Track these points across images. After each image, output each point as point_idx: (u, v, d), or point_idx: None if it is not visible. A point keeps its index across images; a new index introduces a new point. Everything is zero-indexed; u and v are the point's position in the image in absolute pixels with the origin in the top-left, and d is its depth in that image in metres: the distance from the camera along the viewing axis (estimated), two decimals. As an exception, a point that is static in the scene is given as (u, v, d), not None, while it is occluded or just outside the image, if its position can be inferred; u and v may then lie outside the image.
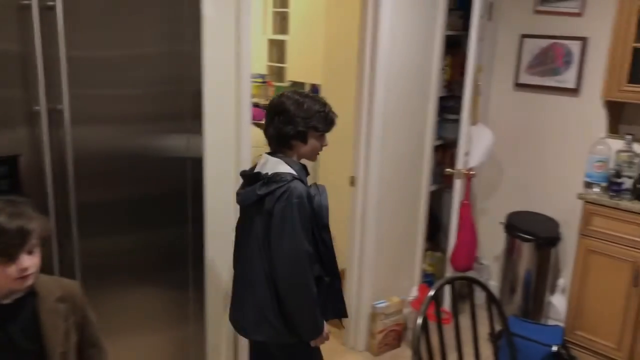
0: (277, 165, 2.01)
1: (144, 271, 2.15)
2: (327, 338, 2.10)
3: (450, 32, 3.53)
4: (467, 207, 3.46)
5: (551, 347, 3.03)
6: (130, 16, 1.91)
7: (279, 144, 2.05)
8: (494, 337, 3.19)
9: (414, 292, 3.46)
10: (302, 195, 1.93)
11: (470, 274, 3.77)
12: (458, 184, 3.42)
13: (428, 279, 3.86)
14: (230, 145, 2.41)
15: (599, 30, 3.21)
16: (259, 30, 4.95)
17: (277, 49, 4.94)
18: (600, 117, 3.22)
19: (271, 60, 4.99)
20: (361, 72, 3.02)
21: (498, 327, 3.23)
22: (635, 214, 2.91)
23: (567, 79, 3.40)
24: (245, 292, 2.08)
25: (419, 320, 1.47)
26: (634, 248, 2.93)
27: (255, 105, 4.38)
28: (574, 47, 3.34)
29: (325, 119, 2.06)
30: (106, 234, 2.02)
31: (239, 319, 2.13)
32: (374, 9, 2.92)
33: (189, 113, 2.13)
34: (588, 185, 3.14)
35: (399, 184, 3.35)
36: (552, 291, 3.59)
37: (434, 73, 3.39)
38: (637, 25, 2.88)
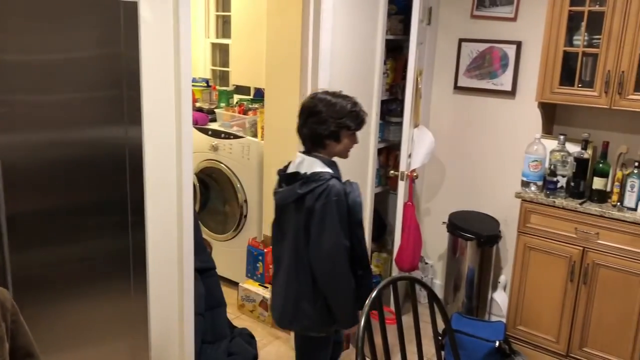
0: (314, 165, 2.13)
1: (83, 282, 2.08)
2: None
3: (391, 37, 3.59)
4: (411, 208, 3.52)
5: (494, 342, 3.11)
6: (64, 20, 1.85)
7: (313, 144, 2.17)
8: (439, 335, 3.26)
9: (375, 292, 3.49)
10: (340, 193, 2.06)
11: (415, 273, 3.85)
12: (402, 186, 3.48)
13: (375, 280, 3.90)
14: (171, 151, 2.36)
15: (532, 35, 3.34)
16: (202, 34, 4.89)
17: (221, 53, 4.90)
18: (535, 118, 3.34)
19: (215, 64, 4.94)
20: (304, 76, 3.03)
21: (444, 326, 3.31)
22: (570, 211, 3.03)
23: (504, 81, 3.52)
24: (285, 285, 2.21)
25: (362, 322, 1.48)
26: (569, 244, 3.05)
27: (199, 109, 4.33)
28: (510, 50, 3.46)
29: (356, 118, 2.16)
30: (41, 244, 1.94)
31: (279, 311, 2.26)
32: (315, 13, 2.93)
33: (126, 118, 2.08)
34: (525, 184, 3.24)
35: (344, 187, 3.37)
36: (495, 288, 3.70)
37: (376, 77, 3.43)
38: (566, 30, 3.00)
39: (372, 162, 3.56)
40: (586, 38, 2.98)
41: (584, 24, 2.96)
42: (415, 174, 3.49)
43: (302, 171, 2.13)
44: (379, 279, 3.91)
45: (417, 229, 3.56)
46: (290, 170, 2.20)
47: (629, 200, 2.92)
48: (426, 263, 3.99)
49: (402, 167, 3.45)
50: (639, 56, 2.81)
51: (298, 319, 2.20)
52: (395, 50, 3.83)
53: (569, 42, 3.03)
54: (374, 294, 1.60)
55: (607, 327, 2.99)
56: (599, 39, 2.92)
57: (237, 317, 3.60)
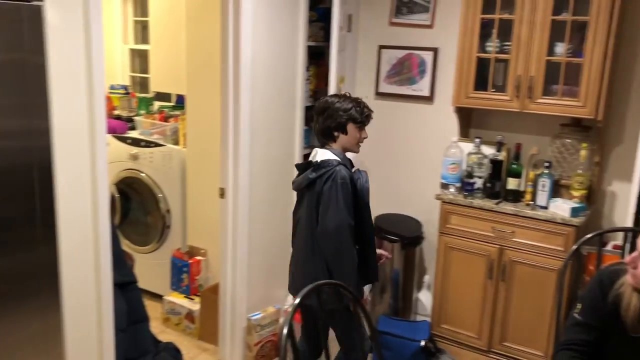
0: (325, 154, 2.43)
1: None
2: (366, 302, 2.59)
3: (312, 43, 3.61)
4: (336, 213, 3.54)
5: (420, 342, 3.18)
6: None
7: (324, 137, 2.48)
8: (373, 335, 3.28)
9: (290, 301, 3.47)
10: (345, 177, 2.33)
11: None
12: (327, 191, 3.49)
13: (303, 286, 3.89)
14: (84, 161, 2.25)
15: (448, 41, 3.45)
16: (119, 40, 4.73)
17: (140, 59, 4.75)
18: (452, 122, 3.46)
19: (134, 70, 4.78)
20: (225, 83, 2.99)
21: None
22: (487, 211, 3.15)
23: (422, 87, 3.62)
24: (301, 264, 2.50)
25: (285, 330, 1.47)
26: (487, 242, 3.17)
27: (117, 117, 4.18)
28: (427, 57, 3.56)
29: (361, 112, 2.47)
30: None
31: (297, 288, 2.39)
32: (234, 19, 2.90)
33: (35, 128, 1.96)
34: (444, 186, 3.34)
35: (270, 193, 3.35)
36: (420, 288, 3.78)
37: (299, 83, 3.44)
38: (479, 37, 3.12)
39: (297, 168, 3.56)
40: (497, 44, 3.11)
41: (495, 31, 3.09)
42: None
43: (314, 160, 2.44)
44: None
45: (343, 233, 3.59)
46: (308, 161, 2.50)
47: (541, 199, 3.07)
48: (353, 267, 4.02)
49: (327, 172, 3.47)
50: (546, 62, 2.96)
51: (314, 296, 2.33)
52: (318, 57, 3.85)
53: (482, 48, 3.16)
54: (297, 300, 1.59)
55: (524, 322, 3.13)
56: (510, 45, 3.06)
57: (162, 332, 3.49)
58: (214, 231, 3.22)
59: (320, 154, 2.45)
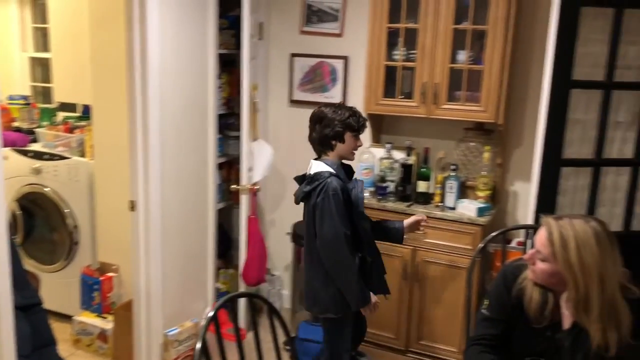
0: (318, 167, 2.49)
1: None
2: (376, 307, 2.56)
3: (223, 51, 3.58)
4: (254, 222, 3.52)
5: (339, 346, 3.21)
6: None
7: (321, 146, 2.53)
8: (286, 346, 3.28)
9: (209, 314, 3.40)
10: (336, 189, 2.39)
11: (263, 286, 3.86)
12: (244, 199, 3.47)
13: (221, 296, 3.83)
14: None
15: (357, 50, 3.53)
16: (17, 48, 4.46)
17: (41, 68, 4.50)
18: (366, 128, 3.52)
19: (35, 80, 4.52)
20: (132, 92, 2.89)
21: (293, 335, 3.34)
22: (399, 214, 3.23)
23: (335, 94, 3.67)
24: (305, 275, 2.60)
25: (198, 345, 1.43)
26: (401, 245, 3.24)
27: (17, 129, 3.94)
28: (338, 65, 3.63)
29: (357, 121, 2.51)
30: None
31: (305, 297, 2.62)
32: (140, 26, 2.81)
33: None
34: (360, 191, 3.40)
35: (184, 205, 3.27)
36: (339, 293, 3.81)
37: (210, 91, 3.39)
38: (387, 45, 3.22)
39: (212, 177, 3.50)
40: (404, 53, 3.22)
41: (401, 40, 3.20)
42: (257, 187, 3.50)
43: (309, 173, 2.50)
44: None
45: (261, 242, 3.57)
46: (305, 174, 2.56)
47: (449, 200, 3.20)
48: (273, 275, 4.01)
49: (243, 181, 3.44)
50: (449, 69, 3.10)
51: (317, 303, 2.54)
52: (230, 65, 3.82)
53: (390, 56, 3.26)
54: (210, 314, 1.56)
55: (439, 319, 3.24)
56: (415, 53, 3.17)
57: (72, 355, 3.31)
58: (126, 246, 3.10)
59: (315, 167, 2.51)
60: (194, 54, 3.21)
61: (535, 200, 2.78)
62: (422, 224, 2.73)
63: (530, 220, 2.78)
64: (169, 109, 3.05)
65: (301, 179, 2.58)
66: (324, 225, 2.40)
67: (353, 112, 2.53)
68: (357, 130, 2.52)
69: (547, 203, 2.73)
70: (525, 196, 3.30)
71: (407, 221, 2.71)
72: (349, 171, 2.63)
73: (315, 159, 2.56)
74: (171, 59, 3.02)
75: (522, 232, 3.04)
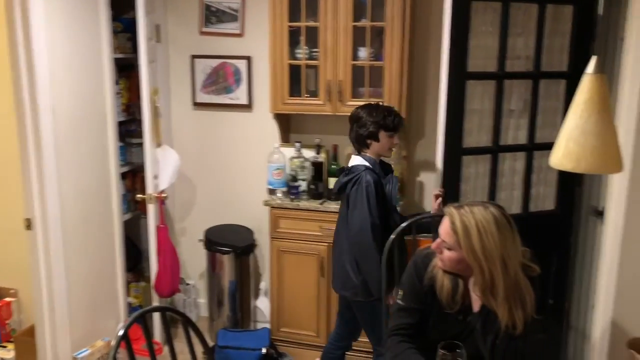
0: (355, 160, 2.66)
1: None
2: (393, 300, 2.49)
3: (119, 55, 3.43)
4: (164, 231, 3.40)
5: (261, 350, 3.18)
6: None
7: (359, 144, 2.67)
8: (209, 354, 3.20)
9: (121, 331, 3.24)
10: (370, 182, 2.52)
11: (178, 296, 3.74)
12: (152, 209, 3.34)
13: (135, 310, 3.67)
14: None
15: (260, 50, 3.50)
16: None
17: None
18: (273, 129, 3.51)
19: None
20: (20, 103, 2.69)
21: (212, 343, 3.26)
22: (313, 212, 3.25)
23: (240, 95, 3.62)
24: (337, 260, 2.74)
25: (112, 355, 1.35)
26: (316, 242, 3.27)
27: None
28: (241, 65, 3.57)
29: (392, 121, 2.61)
30: None
31: (334, 280, 2.80)
32: (23, 34, 2.62)
33: None
34: (271, 191, 3.38)
35: (87, 218, 3.10)
36: (257, 296, 3.78)
37: (108, 97, 3.23)
38: (289, 44, 3.21)
39: (116, 187, 3.34)
40: (307, 51, 3.23)
41: (303, 38, 3.20)
42: (164, 195, 3.38)
43: (347, 166, 2.68)
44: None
45: (172, 251, 3.45)
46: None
47: (360, 195, 3.24)
48: (187, 284, 3.89)
49: (149, 189, 3.31)
50: (352, 66, 3.14)
51: (346, 287, 2.69)
52: (128, 69, 3.66)
53: (293, 55, 3.25)
54: (120, 333, 1.48)
55: (357, 312, 3.27)
56: (318, 51, 3.18)
57: (-30, 390, 3.04)
58: (24, 267, 2.89)
59: (353, 160, 2.67)
60: (87, 60, 3.05)
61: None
62: (437, 193, 2.76)
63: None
64: (64, 119, 2.87)
65: (340, 172, 2.78)
66: (354, 214, 2.55)
67: (389, 112, 2.64)
68: (392, 130, 2.62)
69: (451, 191, 2.83)
70: (430, 186, 3.41)
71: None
72: (387, 168, 2.76)
73: (355, 154, 2.70)
74: (63, 66, 2.85)
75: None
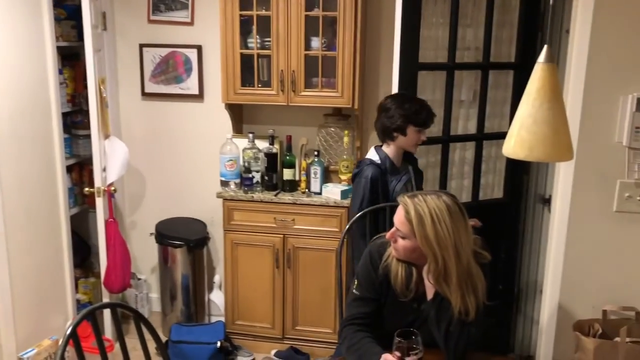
0: (369, 153, 2.65)
1: None
2: None
3: (64, 43, 3.31)
4: (113, 225, 3.30)
5: (216, 343, 3.14)
6: None
7: (383, 135, 2.60)
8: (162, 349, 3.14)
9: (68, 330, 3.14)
10: (368, 177, 2.52)
11: (129, 291, 3.66)
12: (100, 202, 3.23)
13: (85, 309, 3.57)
14: None
15: (211, 38, 3.42)
16: None
17: None
18: (225, 119, 3.45)
19: None
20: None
21: (165, 339, 3.20)
22: (267, 203, 3.22)
23: (190, 85, 3.55)
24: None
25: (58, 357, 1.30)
26: (271, 233, 3.25)
27: None
28: (192, 54, 3.50)
29: (424, 116, 2.53)
30: None
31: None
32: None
33: None
34: (224, 183, 3.33)
35: (31, 214, 2.97)
36: (211, 289, 3.73)
37: (52, 87, 3.10)
38: (240, 33, 3.15)
39: (62, 180, 3.22)
40: (259, 41, 3.18)
41: (254, 27, 3.15)
42: (113, 188, 3.28)
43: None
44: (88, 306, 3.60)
45: (123, 245, 3.36)
46: None
47: (315, 185, 3.24)
48: (139, 279, 3.81)
49: (98, 182, 3.21)
50: (304, 56, 3.12)
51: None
52: (73, 58, 3.53)
53: (245, 44, 3.20)
54: (68, 332, 1.42)
55: (313, 304, 3.29)
56: (270, 41, 3.14)
57: None
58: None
59: (368, 152, 2.69)
60: (28, 48, 2.91)
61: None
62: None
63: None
64: (3, 111, 2.74)
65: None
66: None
67: (421, 106, 2.54)
68: (422, 125, 2.53)
69: (405, 181, 2.86)
70: (384, 176, 3.44)
71: None
72: (411, 161, 2.71)
73: (376, 146, 2.67)
74: (0, 55, 2.71)
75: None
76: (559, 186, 2.25)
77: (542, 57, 1.38)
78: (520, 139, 1.34)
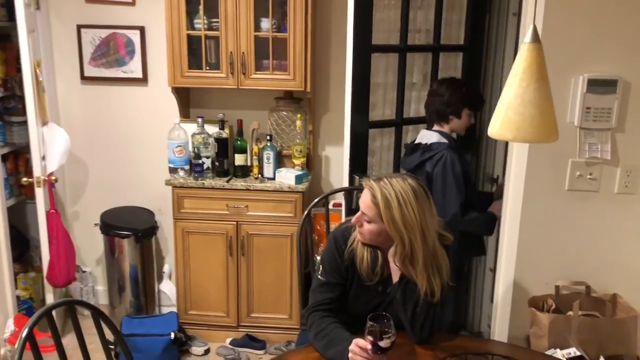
0: (433, 137, 2.59)
1: None
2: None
3: (-7, 23, 3.08)
4: (55, 216, 3.14)
5: (169, 335, 3.06)
6: None
7: (438, 118, 2.61)
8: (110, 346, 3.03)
9: (10, 327, 2.98)
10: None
11: (74, 285, 3.50)
12: (40, 193, 3.06)
13: (26, 306, 3.39)
14: None
15: (154, 19, 3.28)
16: None
17: None
18: (171, 104, 3.33)
19: None
20: None
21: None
22: (219, 190, 3.14)
23: (133, 68, 3.39)
24: None
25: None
26: (224, 221, 3.17)
27: None
28: (134, 36, 3.34)
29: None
30: None
31: None
32: None
33: None
34: (173, 170, 3.22)
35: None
36: (161, 279, 3.62)
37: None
38: (186, 14, 3.03)
39: (-4, 171, 3.02)
40: (206, 21, 3.07)
41: (201, 7, 3.04)
42: (54, 178, 3.11)
43: (423, 142, 2.60)
44: (30, 305, 3.43)
45: (66, 237, 3.21)
46: (416, 142, 2.65)
47: (268, 171, 3.19)
48: (84, 271, 3.65)
49: (37, 171, 3.03)
50: (254, 37, 3.04)
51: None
52: (3, 39, 3.30)
53: (191, 25, 3.08)
54: (24, 334, 1.32)
55: (267, 290, 3.25)
56: (218, 22, 3.04)
57: None
58: None
59: (428, 137, 2.61)
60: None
61: (349, 162, 2.88)
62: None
63: (345, 182, 2.88)
64: None
65: (412, 149, 2.65)
66: (444, 201, 2.46)
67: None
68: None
69: (359, 164, 2.85)
70: (336, 160, 3.43)
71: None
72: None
73: (428, 129, 2.65)
74: None
75: (340, 194, 3.16)
76: (512, 166, 2.30)
77: (528, 37, 1.36)
78: (507, 121, 1.33)
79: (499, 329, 2.48)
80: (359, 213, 1.80)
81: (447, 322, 2.70)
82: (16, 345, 1.30)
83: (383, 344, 1.52)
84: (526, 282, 2.36)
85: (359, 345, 1.58)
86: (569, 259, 2.31)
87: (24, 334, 1.31)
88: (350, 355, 1.61)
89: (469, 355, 1.47)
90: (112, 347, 3.02)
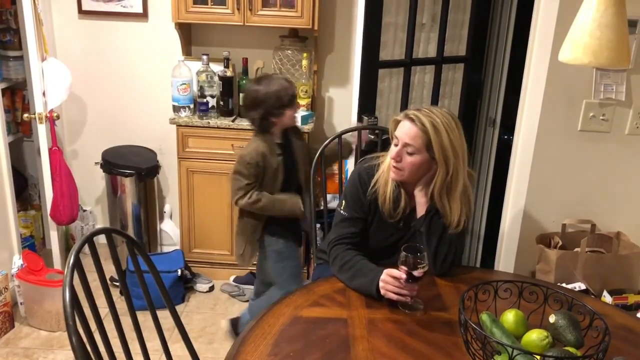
0: None
1: None
2: None
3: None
4: (57, 154, 3.09)
5: (176, 271, 3.10)
6: None
7: None
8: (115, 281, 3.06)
9: (18, 262, 2.98)
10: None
11: (75, 223, 3.49)
12: (43, 130, 3.00)
13: (27, 243, 3.39)
14: None
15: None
16: None
17: None
18: (173, 40, 3.26)
19: None
20: None
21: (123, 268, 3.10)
22: (224, 129, 3.12)
23: (134, 3, 3.29)
24: None
25: (67, 296, 1.22)
26: (229, 161, 3.15)
27: None
28: (135, -32, 3.22)
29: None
30: None
31: None
32: None
33: None
34: (177, 109, 3.18)
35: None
36: (162, 219, 3.63)
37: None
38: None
39: (-5, 107, 2.94)
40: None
41: (208, -61, 2.93)
42: (55, 114, 3.05)
43: None
44: (33, 242, 3.42)
45: (69, 175, 3.17)
46: None
47: (273, 110, 3.16)
48: (84, 210, 3.63)
49: (38, 108, 2.96)
50: (262, -27, 2.95)
51: None
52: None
53: (195, -41, 2.98)
54: (72, 260, 1.34)
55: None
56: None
57: None
58: None
59: None
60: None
61: (357, 102, 2.88)
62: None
63: (354, 122, 2.89)
64: None
65: None
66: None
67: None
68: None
69: (368, 105, 2.85)
70: (340, 101, 3.42)
71: None
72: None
73: None
74: None
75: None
76: (525, 106, 2.33)
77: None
78: (583, 45, 1.30)
79: (503, 265, 2.57)
80: (398, 147, 1.79)
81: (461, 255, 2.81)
82: (65, 271, 1.31)
83: (417, 273, 1.57)
84: (534, 220, 2.44)
85: (392, 275, 1.63)
86: (576, 198, 2.39)
87: (71, 260, 1.33)
88: (381, 284, 1.66)
89: (499, 283, 1.52)
90: (116, 283, 3.10)
